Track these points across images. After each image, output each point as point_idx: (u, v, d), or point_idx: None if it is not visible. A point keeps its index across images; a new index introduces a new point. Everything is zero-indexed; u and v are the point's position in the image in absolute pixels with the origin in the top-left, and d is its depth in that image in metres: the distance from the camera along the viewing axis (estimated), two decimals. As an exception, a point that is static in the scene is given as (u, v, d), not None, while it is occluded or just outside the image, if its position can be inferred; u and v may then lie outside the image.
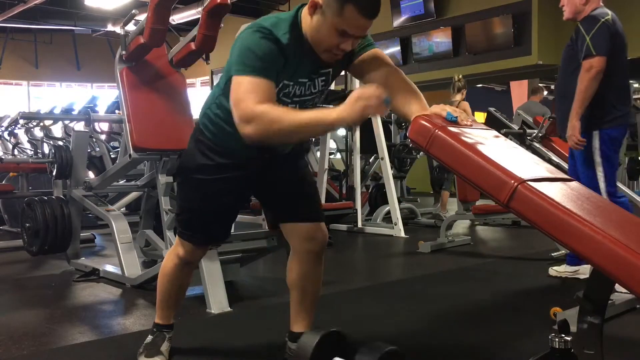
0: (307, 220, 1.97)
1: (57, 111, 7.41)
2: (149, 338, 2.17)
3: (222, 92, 1.83)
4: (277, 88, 1.71)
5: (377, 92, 1.51)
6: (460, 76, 6.45)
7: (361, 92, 1.52)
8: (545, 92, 17.83)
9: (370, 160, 6.92)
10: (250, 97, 1.60)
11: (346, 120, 1.53)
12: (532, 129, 5.40)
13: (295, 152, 2.01)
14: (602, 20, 3.12)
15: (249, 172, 1.93)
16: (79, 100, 8.16)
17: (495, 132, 1.70)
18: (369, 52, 1.81)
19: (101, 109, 7.44)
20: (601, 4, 3.31)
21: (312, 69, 1.76)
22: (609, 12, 3.22)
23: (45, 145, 5.72)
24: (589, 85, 3.07)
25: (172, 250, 2.10)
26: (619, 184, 5.47)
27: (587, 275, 3.30)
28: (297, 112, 1.63)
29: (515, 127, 5.53)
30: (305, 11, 1.70)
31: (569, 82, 3.23)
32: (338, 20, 1.61)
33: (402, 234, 5.40)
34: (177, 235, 2.07)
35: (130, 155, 3.48)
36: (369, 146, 5.95)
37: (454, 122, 1.53)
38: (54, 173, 4.03)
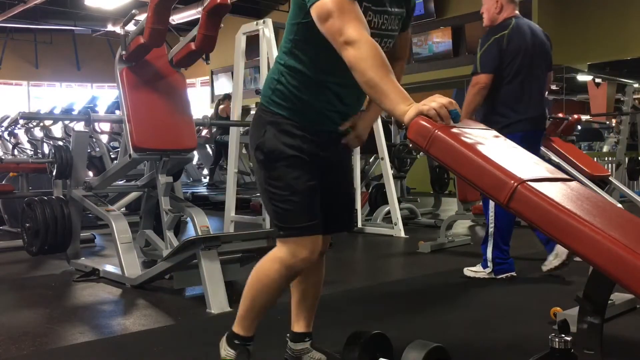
0: (343, 229, 1.98)
1: (57, 111, 7.42)
2: (231, 353, 1.88)
3: (290, 54, 1.73)
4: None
5: (447, 103, 1.45)
6: None
7: (435, 98, 1.47)
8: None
9: (370, 160, 6.92)
10: (348, 21, 1.51)
11: (407, 119, 1.45)
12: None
13: (347, 152, 1.98)
14: (494, 38, 3.39)
15: (324, 155, 1.82)
16: (79, 100, 8.17)
17: (495, 132, 1.70)
18: (407, 32, 1.89)
19: (101, 109, 7.44)
20: (516, 12, 3.50)
21: (382, 2, 1.68)
22: (513, 21, 3.43)
23: (45, 145, 5.73)
24: (472, 99, 3.42)
25: (274, 258, 1.80)
26: (619, 184, 5.49)
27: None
28: (388, 70, 1.50)
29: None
30: None
31: None
32: None
33: (402, 234, 5.40)
34: (284, 237, 1.78)
35: (130, 156, 3.48)
36: (369, 146, 5.95)
37: (457, 119, 1.51)
38: (54, 173, 4.03)
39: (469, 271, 3.64)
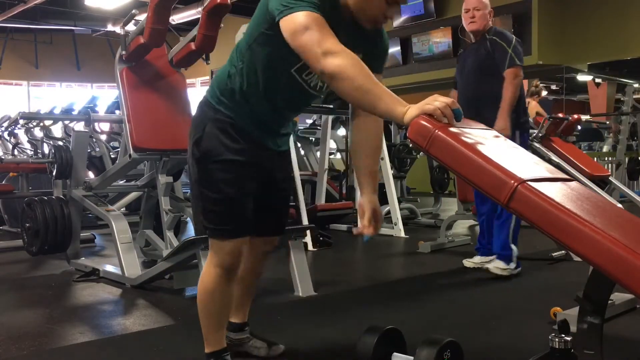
0: (273, 235, 2.07)
1: (57, 111, 7.41)
2: None
3: (246, 59, 1.73)
4: (298, 64, 1.67)
5: (451, 103, 1.46)
6: (538, 82, 7.54)
7: (437, 98, 1.47)
8: (545, 92, 17.84)
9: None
10: (326, 34, 1.49)
11: (408, 118, 1.44)
12: (532, 129, 5.40)
13: (287, 155, 2.04)
14: (514, 37, 3.68)
15: (262, 161, 1.86)
16: (79, 100, 8.15)
17: (495, 132, 1.70)
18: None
19: (101, 109, 7.43)
20: None
21: (347, 42, 1.56)
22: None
23: (45, 145, 5.72)
24: (516, 90, 3.54)
25: (209, 263, 1.87)
26: (619, 184, 5.48)
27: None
28: (374, 77, 1.49)
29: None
30: None
31: (484, 86, 3.62)
32: None
33: (402, 234, 5.40)
34: (211, 239, 1.83)
35: (130, 156, 3.48)
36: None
37: (459, 118, 1.51)
38: (54, 173, 4.03)
39: (496, 269, 3.59)
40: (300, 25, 1.50)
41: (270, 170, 1.91)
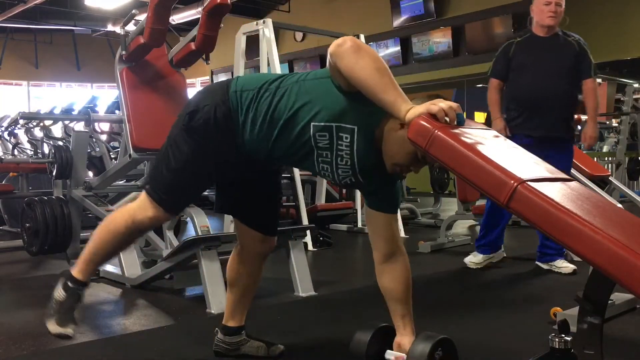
0: (270, 235, 2.07)
1: (57, 111, 7.41)
2: (61, 295, 1.91)
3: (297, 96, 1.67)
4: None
5: (456, 107, 1.51)
6: None
7: (442, 100, 1.51)
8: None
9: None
10: None
11: (411, 115, 1.47)
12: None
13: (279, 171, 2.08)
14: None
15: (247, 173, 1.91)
16: (79, 100, 8.15)
17: (495, 132, 1.70)
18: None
19: (101, 109, 7.43)
20: None
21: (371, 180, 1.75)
22: None
23: (45, 145, 5.72)
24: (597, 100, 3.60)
25: (130, 209, 1.87)
26: (619, 184, 5.49)
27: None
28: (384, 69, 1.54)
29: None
30: (392, 122, 1.61)
31: (565, 86, 3.56)
32: None
33: (402, 234, 5.41)
34: (147, 195, 1.84)
35: (130, 155, 3.48)
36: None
37: (462, 123, 1.52)
38: (54, 173, 4.03)
39: (564, 268, 3.66)
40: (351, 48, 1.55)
41: (263, 182, 1.97)
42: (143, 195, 1.86)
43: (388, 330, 1.88)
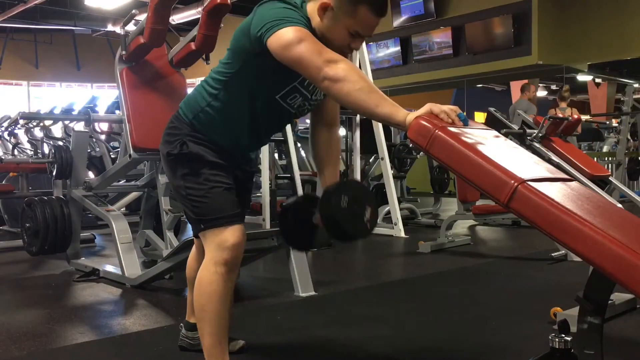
0: None
1: (57, 111, 7.41)
2: None
3: (221, 88, 1.79)
4: (285, 90, 1.74)
5: (455, 109, 1.51)
6: (568, 87, 8.21)
7: (438, 105, 1.52)
8: (545, 92, 17.79)
9: (370, 160, 6.92)
10: (322, 45, 1.56)
11: (412, 117, 1.49)
12: (532, 129, 5.40)
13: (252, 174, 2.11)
14: None
15: (237, 173, 1.94)
16: (79, 100, 8.15)
17: (495, 132, 1.70)
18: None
19: (101, 109, 7.44)
20: None
21: None
22: None
23: (45, 145, 5.72)
24: None
25: (207, 262, 1.75)
26: (619, 184, 5.49)
27: None
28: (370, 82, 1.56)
29: (515, 127, 5.53)
30: (312, 9, 1.67)
31: None
32: (351, 21, 1.63)
33: (402, 234, 5.40)
34: (207, 235, 1.75)
35: (130, 155, 3.48)
36: (369, 146, 5.95)
37: (466, 123, 1.53)
38: (54, 173, 4.03)
39: None
40: (294, 38, 1.55)
41: (243, 179, 2.00)
42: (205, 241, 1.79)
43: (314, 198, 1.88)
